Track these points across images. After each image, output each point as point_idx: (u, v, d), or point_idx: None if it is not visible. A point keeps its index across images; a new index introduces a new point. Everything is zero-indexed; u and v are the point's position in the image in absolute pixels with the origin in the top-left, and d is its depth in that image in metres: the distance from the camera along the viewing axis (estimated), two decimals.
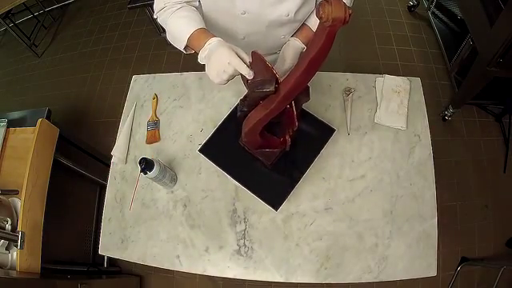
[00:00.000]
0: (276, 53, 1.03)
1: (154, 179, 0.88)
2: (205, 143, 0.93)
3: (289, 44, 0.91)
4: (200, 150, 0.92)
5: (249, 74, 0.68)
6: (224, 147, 0.91)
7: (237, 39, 0.93)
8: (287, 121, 0.77)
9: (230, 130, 0.92)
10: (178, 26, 0.82)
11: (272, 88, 0.65)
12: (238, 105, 0.89)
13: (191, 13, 0.83)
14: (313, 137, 0.91)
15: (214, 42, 0.74)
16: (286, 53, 0.91)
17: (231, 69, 0.69)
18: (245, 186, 0.88)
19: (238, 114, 0.86)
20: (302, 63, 0.58)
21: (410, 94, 1.03)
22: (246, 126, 0.78)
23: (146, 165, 0.83)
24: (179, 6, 0.84)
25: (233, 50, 0.71)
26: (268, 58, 1.03)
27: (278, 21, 0.85)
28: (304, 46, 0.90)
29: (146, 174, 0.84)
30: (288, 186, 0.87)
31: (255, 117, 0.74)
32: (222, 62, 0.70)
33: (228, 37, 0.94)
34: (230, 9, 0.83)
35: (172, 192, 0.97)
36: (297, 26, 0.91)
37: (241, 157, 0.90)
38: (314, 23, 0.91)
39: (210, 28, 0.85)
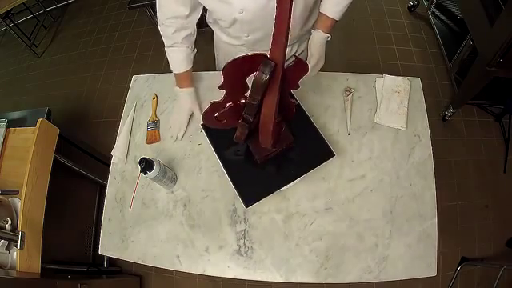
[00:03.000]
0: (289, 45, 1.03)
1: (154, 179, 0.88)
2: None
3: (313, 38, 0.93)
4: (203, 125, 0.92)
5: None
6: (225, 131, 0.88)
7: (241, 38, 0.94)
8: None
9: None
10: (170, 59, 1.00)
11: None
12: None
13: (180, 54, 0.98)
14: (310, 153, 0.90)
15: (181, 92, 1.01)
16: (312, 48, 0.93)
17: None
18: (227, 173, 0.89)
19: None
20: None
21: (410, 93, 1.03)
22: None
23: (146, 165, 0.83)
24: (172, 42, 0.95)
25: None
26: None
27: (273, 12, 0.84)
28: (327, 34, 0.93)
29: (145, 174, 0.84)
30: (266, 189, 0.87)
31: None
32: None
33: (235, 38, 0.95)
34: (228, 10, 0.83)
35: (172, 192, 0.97)
36: (297, 17, 0.89)
37: (236, 144, 0.89)
38: (330, 12, 0.91)
39: (215, 26, 0.98)
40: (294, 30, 0.94)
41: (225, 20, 0.88)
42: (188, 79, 1.02)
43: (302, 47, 1.08)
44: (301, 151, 0.90)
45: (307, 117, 0.94)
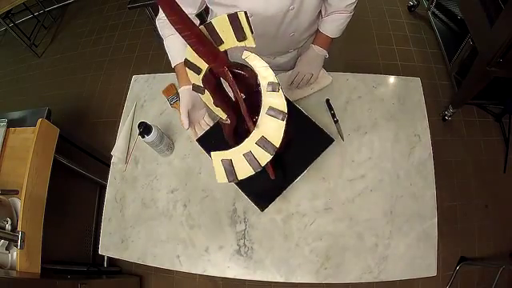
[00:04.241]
0: (289, 52, 1.03)
1: (151, 144, 0.92)
2: (203, 135, 0.94)
3: (307, 53, 0.99)
4: (198, 140, 0.93)
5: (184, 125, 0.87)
6: (221, 141, 0.88)
7: None
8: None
9: None
10: (169, 51, 0.93)
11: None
12: None
13: (180, 41, 0.91)
14: (309, 145, 0.90)
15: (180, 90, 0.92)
16: (307, 61, 0.99)
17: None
18: (237, 185, 0.89)
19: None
20: None
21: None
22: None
23: (145, 129, 0.87)
24: (172, 31, 0.90)
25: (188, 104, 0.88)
26: (282, 59, 1.08)
27: (284, 16, 0.84)
28: (326, 52, 0.99)
29: (143, 137, 0.88)
30: (276, 189, 0.87)
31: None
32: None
33: None
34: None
35: (172, 192, 0.97)
36: (303, 18, 0.90)
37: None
38: (329, 31, 0.97)
39: None
40: (300, 34, 0.96)
41: None
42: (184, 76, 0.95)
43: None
44: (301, 144, 0.90)
45: (298, 109, 0.95)
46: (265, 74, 0.55)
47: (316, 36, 1.00)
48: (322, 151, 0.89)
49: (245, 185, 0.88)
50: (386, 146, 0.96)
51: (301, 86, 1.02)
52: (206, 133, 0.95)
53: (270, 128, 0.54)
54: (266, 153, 0.54)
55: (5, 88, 2.67)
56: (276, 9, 0.81)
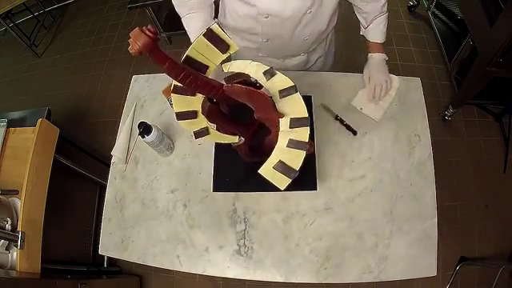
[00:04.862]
0: (300, 55, 1.03)
1: (151, 144, 0.92)
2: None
3: (372, 61, 1.00)
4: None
5: None
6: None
7: (259, 42, 0.93)
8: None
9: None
10: (188, 31, 0.91)
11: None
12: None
13: (199, 21, 0.89)
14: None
15: None
16: (377, 71, 0.99)
17: None
18: (214, 156, 0.92)
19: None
20: None
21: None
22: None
23: (145, 129, 0.87)
24: (187, 9, 0.88)
25: None
26: (291, 62, 1.07)
27: (300, 19, 0.84)
28: (385, 55, 1.00)
29: (143, 137, 0.88)
30: (238, 186, 0.90)
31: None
32: None
33: (250, 41, 0.95)
34: (252, 14, 0.83)
35: (172, 192, 0.97)
36: (318, 22, 0.90)
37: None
38: (377, 37, 0.99)
39: (231, 32, 0.92)
40: (314, 39, 0.96)
41: (245, 22, 0.87)
42: None
43: (316, 55, 1.09)
44: None
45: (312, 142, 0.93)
46: (254, 69, 0.57)
47: (369, 46, 1.02)
48: (299, 189, 0.89)
49: (221, 160, 0.90)
50: (386, 146, 0.96)
51: (382, 97, 1.00)
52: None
53: (294, 110, 0.56)
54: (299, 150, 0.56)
55: (5, 88, 2.67)
56: (293, 10, 0.81)
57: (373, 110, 1.00)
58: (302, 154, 0.56)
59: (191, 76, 0.51)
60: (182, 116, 0.63)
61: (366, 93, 1.01)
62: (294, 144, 0.56)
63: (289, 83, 0.56)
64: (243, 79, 0.61)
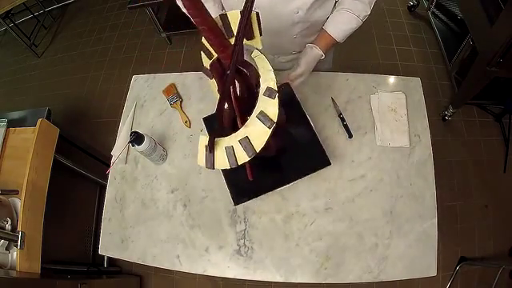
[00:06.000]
0: (292, 53, 1.03)
1: (143, 153, 0.91)
2: (210, 115, 0.97)
3: (307, 52, 0.92)
4: (204, 119, 0.96)
5: None
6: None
7: None
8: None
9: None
10: None
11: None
12: None
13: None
14: (305, 159, 0.89)
15: None
16: (303, 60, 0.92)
17: None
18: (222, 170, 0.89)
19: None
20: None
21: (407, 107, 1.01)
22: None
23: (136, 138, 0.85)
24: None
25: None
26: (283, 59, 1.05)
27: (288, 19, 0.84)
28: (323, 53, 0.91)
29: (133, 146, 0.87)
30: (256, 190, 0.88)
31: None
32: None
33: None
34: (239, 6, 0.83)
35: (172, 192, 0.97)
36: (310, 26, 0.90)
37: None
38: (333, 30, 0.91)
39: None
40: (303, 39, 0.94)
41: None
42: None
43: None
44: (296, 156, 0.90)
45: (307, 121, 0.93)
46: (267, 77, 0.55)
47: (317, 36, 0.95)
48: (315, 171, 0.89)
49: (230, 174, 0.89)
50: (386, 146, 0.96)
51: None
52: (213, 115, 0.96)
53: (256, 131, 0.53)
54: (245, 153, 0.54)
55: (5, 88, 2.68)
56: (280, 8, 0.81)
57: (398, 140, 0.96)
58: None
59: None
60: (204, 49, 0.62)
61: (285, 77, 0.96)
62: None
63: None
64: (249, 73, 0.61)
